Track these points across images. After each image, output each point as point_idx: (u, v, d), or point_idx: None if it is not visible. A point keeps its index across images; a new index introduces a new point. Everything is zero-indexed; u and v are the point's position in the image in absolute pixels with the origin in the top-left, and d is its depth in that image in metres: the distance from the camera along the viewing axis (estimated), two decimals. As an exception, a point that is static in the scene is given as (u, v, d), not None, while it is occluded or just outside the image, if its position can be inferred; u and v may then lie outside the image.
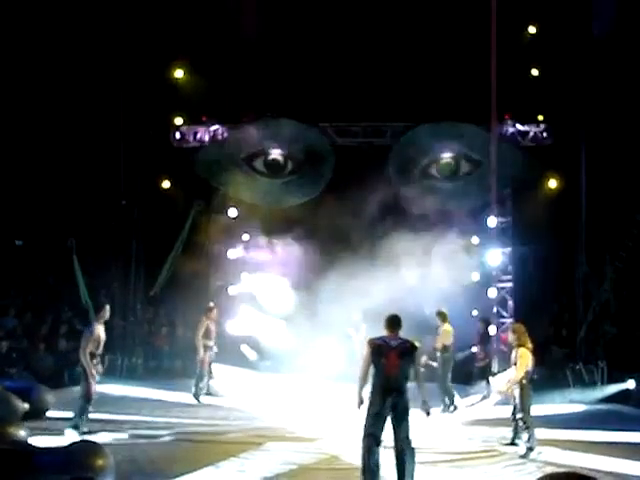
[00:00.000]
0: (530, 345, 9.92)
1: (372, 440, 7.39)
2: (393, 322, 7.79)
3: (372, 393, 7.53)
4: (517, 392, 9.81)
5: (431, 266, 15.85)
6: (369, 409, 7.50)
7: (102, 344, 10.36)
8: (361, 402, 7.62)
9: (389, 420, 7.48)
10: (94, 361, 10.17)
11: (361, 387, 7.70)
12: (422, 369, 8.83)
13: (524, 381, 9.80)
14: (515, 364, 9.90)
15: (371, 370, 7.65)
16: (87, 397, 10.13)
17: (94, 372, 10.10)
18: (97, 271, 17.81)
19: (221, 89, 17.39)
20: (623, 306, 16.91)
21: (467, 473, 8.68)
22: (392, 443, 7.48)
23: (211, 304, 14.85)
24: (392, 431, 7.45)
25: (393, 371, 7.45)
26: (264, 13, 16.35)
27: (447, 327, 13.40)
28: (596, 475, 6.48)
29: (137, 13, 16.49)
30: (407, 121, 17.95)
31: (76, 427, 9.98)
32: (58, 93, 17.23)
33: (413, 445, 7.47)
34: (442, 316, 13.47)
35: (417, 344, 7.80)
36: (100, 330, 10.35)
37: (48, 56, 16.90)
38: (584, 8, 16.29)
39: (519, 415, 9.81)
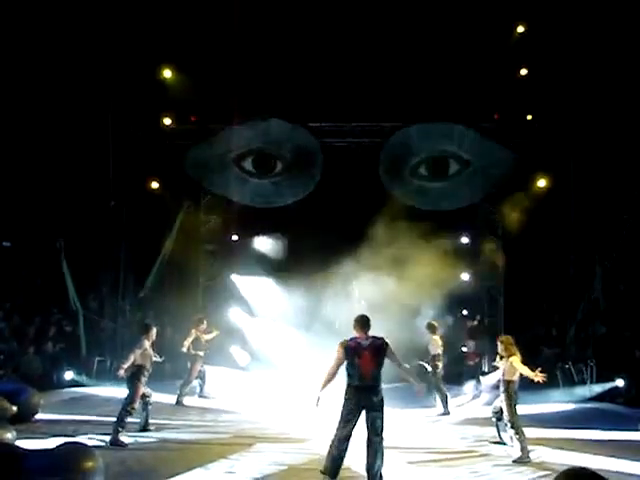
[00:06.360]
0: (519, 356, 9.55)
1: (343, 434, 7.54)
2: (363, 322, 7.87)
3: (347, 390, 7.67)
4: (504, 401, 9.50)
5: (421, 265, 15.85)
6: (344, 405, 7.63)
7: (151, 361, 10.57)
8: (318, 400, 7.81)
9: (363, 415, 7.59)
10: (144, 374, 10.36)
11: (324, 387, 7.84)
12: (407, 365, 8.81)
13: (511, 391, 9.48)
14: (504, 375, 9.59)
15: (342, 369, 7.72)
16: (131, 405, 10.15)
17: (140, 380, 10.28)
18: (86, 273, 17.74)
19: (210, 89, 17.34)
20: (612, 305, 16.98)
21: (457, 472, 8.66)
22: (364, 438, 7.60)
23: (200, 316, 14.97)
24: (365, 426, 7.57)
25: (368, 370, 7.61)
26: (254, 12, 16.33)
27: (437, 338, 13.56)
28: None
29: (126, 14, 16.41)
30: (397, 121, 17.97)
31: (116, 432, 9.86)
32: (47, 94, 17.13)
33: (384, 444, 7.61)
34: (432, 328, 13.65)
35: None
36: (148, 346, 10.51)
37: (37, 58, 16.80)
38: (572, 7, 16.32)
39: (507, 420, 9.41)
